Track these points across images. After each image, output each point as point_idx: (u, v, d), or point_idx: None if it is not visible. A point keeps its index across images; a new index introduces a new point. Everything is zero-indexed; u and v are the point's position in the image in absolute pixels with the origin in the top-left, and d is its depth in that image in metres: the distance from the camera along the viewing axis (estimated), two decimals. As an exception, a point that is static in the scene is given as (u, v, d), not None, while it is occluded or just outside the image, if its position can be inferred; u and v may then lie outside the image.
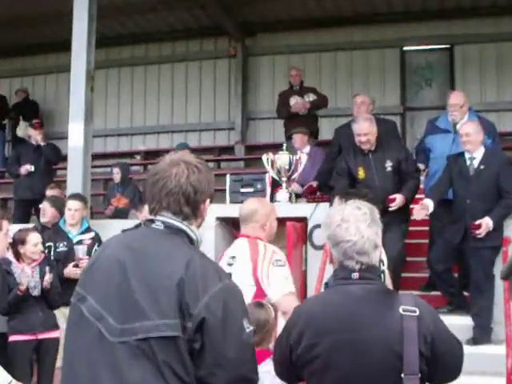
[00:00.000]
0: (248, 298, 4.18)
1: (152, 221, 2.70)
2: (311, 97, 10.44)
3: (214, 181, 2.77)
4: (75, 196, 7.31)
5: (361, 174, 7.02)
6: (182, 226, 2.66)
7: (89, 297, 2.59)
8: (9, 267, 6.20)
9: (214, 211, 6.93)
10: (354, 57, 12.85)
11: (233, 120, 13.41)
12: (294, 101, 10.45)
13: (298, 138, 8.96)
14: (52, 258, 6.70)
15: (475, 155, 6.72)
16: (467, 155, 6.76)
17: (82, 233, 7.10)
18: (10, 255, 6.30)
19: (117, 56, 14.14)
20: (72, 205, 7.13)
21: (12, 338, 6.06)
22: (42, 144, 10.40)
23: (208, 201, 2.73)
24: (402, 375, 2.59)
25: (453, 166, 6.83)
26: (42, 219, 7.64)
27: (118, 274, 2.56)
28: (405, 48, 12.71)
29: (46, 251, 6.69)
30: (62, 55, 13.08)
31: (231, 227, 7.07)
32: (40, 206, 7.77)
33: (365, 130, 6.94)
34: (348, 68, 12.82)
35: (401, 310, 2.66)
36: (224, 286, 2.53)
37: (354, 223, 2.77)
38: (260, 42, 13.53)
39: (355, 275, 2.76)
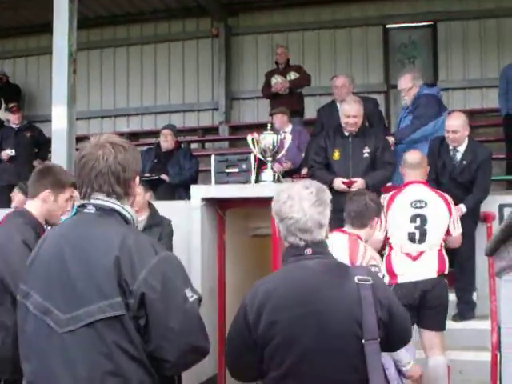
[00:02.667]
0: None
1: (84, 206, 2.73)
2: (293, 75, 10.42)
3: (140, 158, 2.83)
4: None
5: (336, 155, 6.97)
6: (114, 205, 2.71)
7: (32, 292, 2.63)
8: None
9: (199, 192, 6.93)
10: (337, 35, 12.78)
11: (216, 100, 13.32)
12: (275, 81, 10.44)
13: (278, 118, 8.99)
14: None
15: (459, 148, 6.82)
16: (451, 146, 6.85)
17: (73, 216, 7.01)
18: None
19: (98, 37, 14.00)
20: None
21: None
22: (22, 126, 10.38)
23: (137, 178, 2.80)
24: (363, 341, 2.68)
25: (436, 156, 6.89)
26: (12, 204, 7.76)
27: (57, 265, 2.59)
28: (387, 26, 12.65)
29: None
30: (43, 37, 13.04)
31: (217, 208, 7.06)
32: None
33: (354, 113, 6.86)
34: (331, 46, 12.75)
35: (356, 280, 2.77)
36: (161, 259, 2.58)
37: (298, 201, 2.86)
38: (242, 22, 13.44)
39: (308, 251, 2.84)
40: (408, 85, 7.68)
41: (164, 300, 2.50)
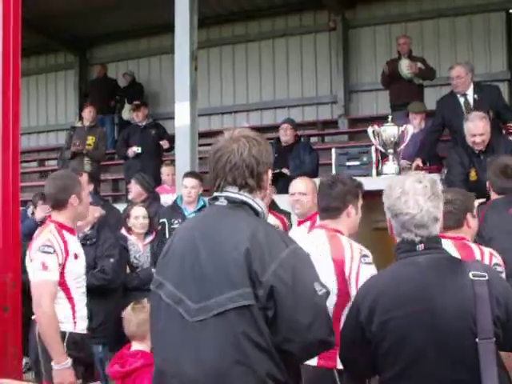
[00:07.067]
0: None
1: (216, 198, 2.79)
2: (419, 65, 10.23)
3: (271, 152, 2.85)
4: (191, 174, 7.37)
5: (472, 175, 6.71)
6: (246, 198, 2.75)
7: (166, 282, 2.72)
8: (125, 243, 6.44)
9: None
10: (456, 23, 12.47)
11: (335, 93, 13.31)
12: (407, 61, 10.21)
13: (419, 117, 8.86)
14: (167, 234, 6.87)
15: None
16: None
17: (198, 210, 7.10)
18: (123, 231, 6.57)
19: (217, 35, 14.26)
20: (188, 182, 7.20)
21: None
22: (147, 124, 10.69)
23: (269, 171, 2.83)
24: (477, 340, 2.58)
25: None
26: (129, 196, 8.06)
27: (190, 257, 2.67)
28: (511, 10, 12.22)
29: (160, 227, 6.90)
30: (164, 37, 13.39)
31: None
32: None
33: (481, 130, 6.52)
34: (451, 35, 12.45)
35: (471, 276, 2.66)
36: (291, 252, 2.60)
37: (412, 196, 2.78)
38: (359, 14, 13.35)
39: (420, 247, 2.77)
40: None
41: (293, 293, 2.53)
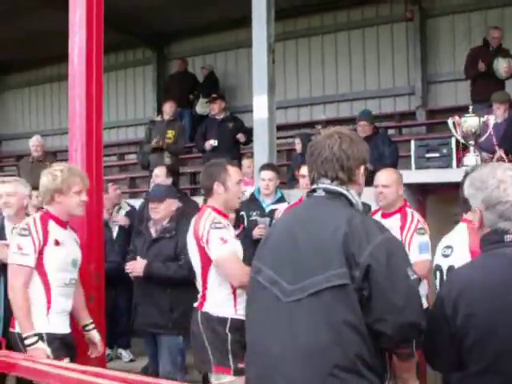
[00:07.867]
0: None
1: (314, 190, 2.96)
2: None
3: (367, 150, 3.03)
4: (268, 166, 7.45)
5: None
6: (342, 190, 2.90)
7: (263, 267, 2.87)
8: None
9: (399, 177, 6.89)
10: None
11: (413, 84, 13.10)
12: (505, 63, 9.93)
13: (503, 107, 8.66)
14: (245, 225, 6.91)
15: None
16: None
17: (276, 202, 7.21)
18: None
19: (293, 28, 14.23)
20: (265, 175, 7.27)
21: None
22: (224, 117, 10.74)
23: (362, 167, 2.96)
24: None
25: None
26: None
27: (288, 243, 2.82)
28: None
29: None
30: (240, 31, 13.46)
31: (417, 193, 6.99)
32: None
33: None
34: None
35: None
36: (386, 237, 2.73)
37: (511, 184, 2.75)
38: (437, 3, 13.08)
39: (508, 237, 2.72)
40: None
41: (388, 274, 2.62)
